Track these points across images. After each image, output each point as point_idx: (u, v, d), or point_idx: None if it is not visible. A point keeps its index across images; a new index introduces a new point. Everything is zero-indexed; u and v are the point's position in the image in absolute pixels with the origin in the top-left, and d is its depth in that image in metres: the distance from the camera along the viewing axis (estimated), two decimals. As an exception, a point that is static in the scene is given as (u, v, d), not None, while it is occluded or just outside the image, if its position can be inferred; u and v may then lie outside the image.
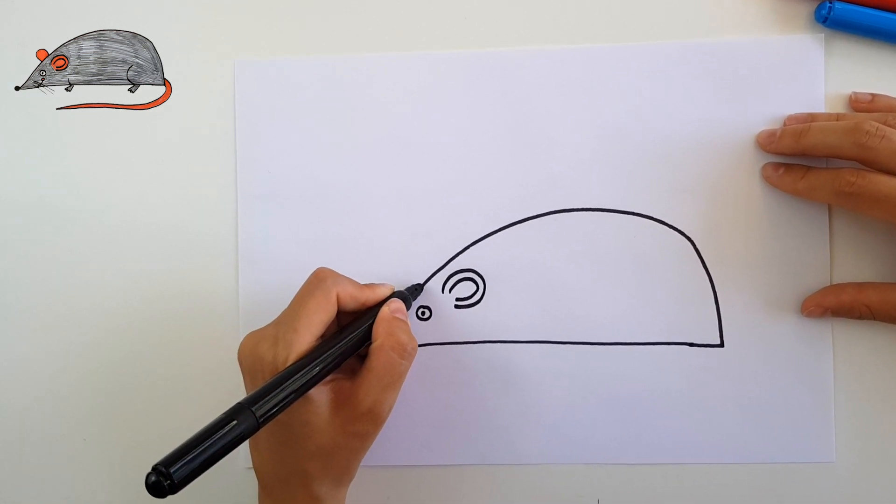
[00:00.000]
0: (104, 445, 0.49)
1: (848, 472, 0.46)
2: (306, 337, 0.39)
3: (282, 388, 0.36)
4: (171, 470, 0.30)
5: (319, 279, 0.42)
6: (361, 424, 0.40)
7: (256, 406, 0.34)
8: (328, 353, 0.39)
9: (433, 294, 0.47)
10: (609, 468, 0.47)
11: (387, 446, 0.47)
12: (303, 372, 0.37)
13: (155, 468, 0.30)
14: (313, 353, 0.39)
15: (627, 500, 0.47)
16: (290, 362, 0.38)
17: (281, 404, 0.36)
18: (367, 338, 0.42)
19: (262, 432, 0.37)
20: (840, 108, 0.46)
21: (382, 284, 0.45)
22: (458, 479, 0.48)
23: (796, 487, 0.46)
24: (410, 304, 0.46)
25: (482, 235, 0.47)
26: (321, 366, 0.38)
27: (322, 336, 0.41)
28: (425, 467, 0.48)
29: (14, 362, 0.49)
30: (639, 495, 0.47)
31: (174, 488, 0.30)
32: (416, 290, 0.47)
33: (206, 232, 0.49)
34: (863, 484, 0.46)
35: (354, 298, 0.42)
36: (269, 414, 0.35)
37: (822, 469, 0.46)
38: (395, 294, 0.45)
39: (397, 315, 0.43)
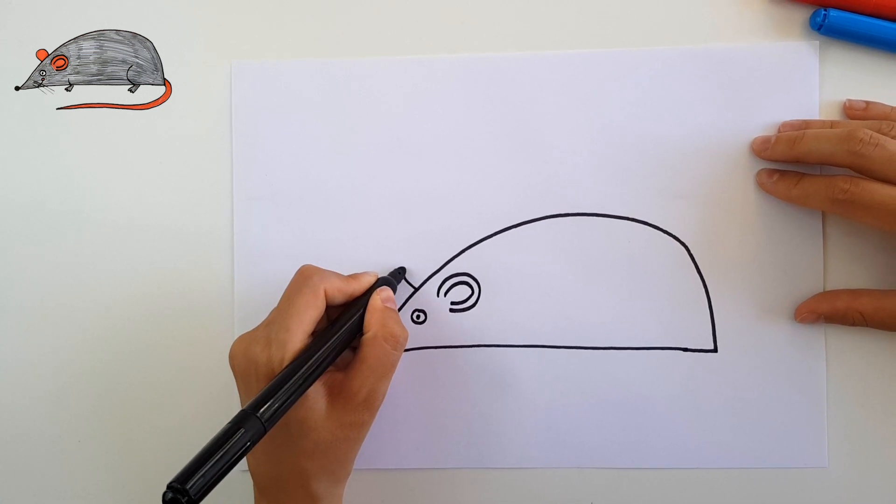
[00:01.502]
0: (99, 446, 0.49)
1: (840, 477, 0.46)
2: (298, 335, 0.40)
3: (283, 389, 0.36)
4: (188, 486, 0.30)
5: (305, 277, 0.42)
6: (357, 415, 0.41)
7: (261, 411, 0.35)
8: (324, 349, 0.39)
9: (428, 298, 0.48)
10: (603, 472, 0.47)
11: (382, 449, 0.47)
12: (301, 371, 0.38)
13: (171, 486, 0.30)
14: (309, 350, 0.39)
15: (621, 503, 0.47)
16: (286, 362, 0.39)
17: (284, 406, 0.36)
18: (358, 329, 0.42)
19: None
20: (834, 116, 0.46)
21: (366, 273, 0.45)
22: (453, 483, 0.48)
23: (789, 492, 0.46)
24: (396, 289, 0.46)
25: (478, 239, 0.47)
26: (318, 363, 0.39)
27: (313, 332, 0.41)
28: (420, 470, 0.48)
29: (9, 362, 0.49)
30: (632, 499, 0.47)
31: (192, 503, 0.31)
32: (400, 273, 0.47)
33: (204, 233, 0.49)
34: (855, 489, 0.46)
35: (342, 291, 0.43)
36: (274, 417, 0.35)
37: (814, 474, 0.46)
38: (379, 280, 0.45)
39: (388, 304, 0.43)
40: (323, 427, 0.40)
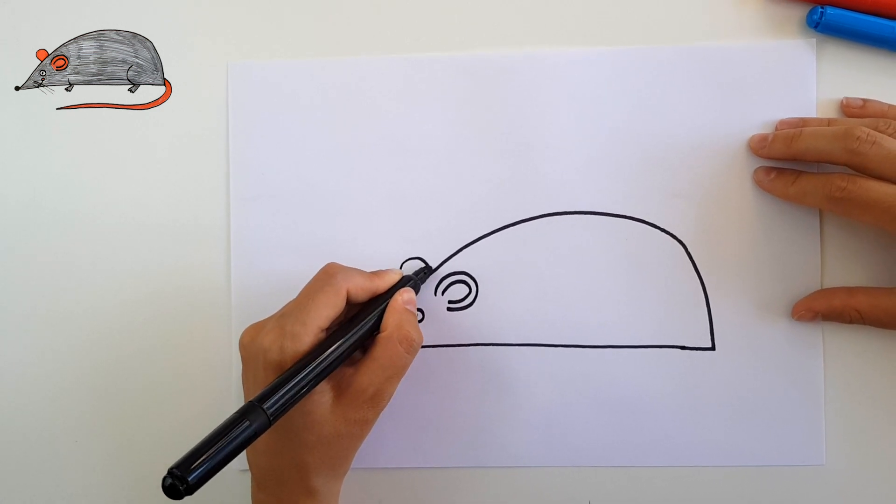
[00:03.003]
0: (96, 446, 0.49)
1: (837, 474, 0.46)
2: (313, 330, 0.40)
3: (292, 384, 0.36)
4: (187, 473, 0.31)
5: (329, 275, 0.42)
6: (362, 412, 0.41)
7: (267, 404, 0.35)
8: (337, 346, 0.39)
9: (426, 296, 0.48)
10: (601, 470, 0.47)
11: (379, 448, 0.48)
12: (312, 367, 0.38)
13: (171, 472, 0.31)
14: (322, 347, 0.39)
15: (619, 502, 0.47)
16: (299, 355, 0.39)
17: (291, 401, 0.36)
18: (375, 328, 0.42)
19: None
20: (832, 113, 0.46)
21: (391, 270, 0.45)
22: (451, 482, 0.48)
23: (786, 490, 0.46)
24: (419, 289, 0.46)
25: (475, 238, 0.48)
26: (331, 360, 0.39)
27: (328, 329, 0.41)
28: (418, 469, 0.48)
29: (6, 361, 0.50)
30: (630, 497, 0.47)
31: (190, 490, 0.31)
32: (425, 273, 0.47)
33: (201, 232, 0.49)
34: (852, 486, 0.46)
35: (365, 290, 0.43)
36: (280, 410, 0.35)
37: (811, 472, 0.46)
38: (403, 279, 0.45)
39: (409, 307, 0.43)
40: (327, 421, 0.40)
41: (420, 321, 0.48)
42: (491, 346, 0.47)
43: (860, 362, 0.46)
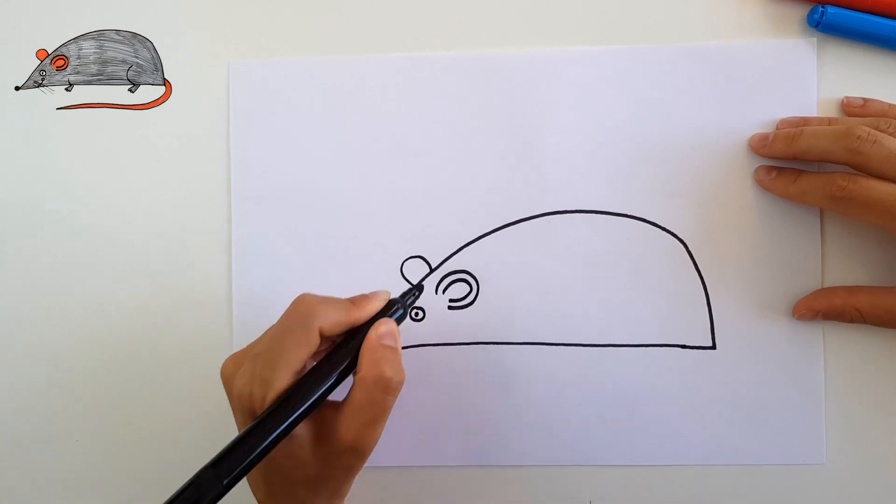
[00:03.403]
0: (97, 445, 0.49)
1: (838, 473, 0.46)
2: (284, 374, 0.37)
3: (250, 446, 0.35)
4: None
5: (300, 313, 0.38)
6: (345, 460, 0.38)
7: (223, 472, 0.33)
8: (303, 399, 0.36)
9: (426, 295, 0.48)
10: (602, 469, 0.47)
11: (380, 447, 0.46)
12: (272, 433, 0.35)
13: None
14: (289, 398, 0.36)
15: (619, 500, 0.47)
16: (267, 402, 0.36)
17: (249, 465, 0.34)
18: (352, 366, 0.38)
19: None
20: (832, 113, 0.46)
21: (374, 296, 0.41)
22: (452, 480, 0.48)
23: (786, 489, 0.46)
24: (407, 312, 0.43)
25: (476, 237, 0.48)
26: (291, 419, 0.36)
27: (303, 369, 0.38)
28: (419, 468, 0.48)
29: (7, 361, 0.50)
30: (631, 496, 0.47)
31: None
32: (414, 292, 0.46)
33: (202, 232, 0.49)
34: (852, 485, 0.46)
35: (341, 325, 0.39)
36: (237, 477, 0.34)
37: (812, 471, 0.46)
38: (388, 304, 0.41)
39: (385, 341, 0.39)
40: (310, 464, 0.38)
41: (421, 320, 0.48)
42: (492, 345, 0.47)
43: (860, 361, 0.46)
